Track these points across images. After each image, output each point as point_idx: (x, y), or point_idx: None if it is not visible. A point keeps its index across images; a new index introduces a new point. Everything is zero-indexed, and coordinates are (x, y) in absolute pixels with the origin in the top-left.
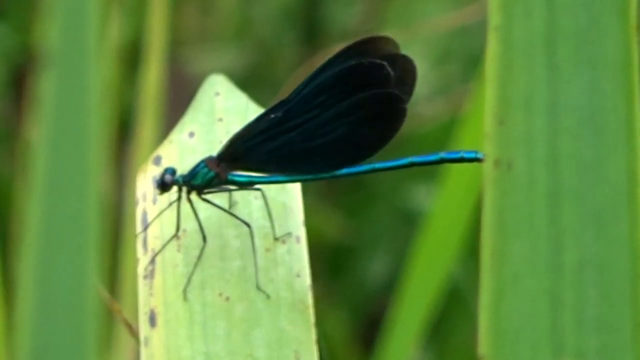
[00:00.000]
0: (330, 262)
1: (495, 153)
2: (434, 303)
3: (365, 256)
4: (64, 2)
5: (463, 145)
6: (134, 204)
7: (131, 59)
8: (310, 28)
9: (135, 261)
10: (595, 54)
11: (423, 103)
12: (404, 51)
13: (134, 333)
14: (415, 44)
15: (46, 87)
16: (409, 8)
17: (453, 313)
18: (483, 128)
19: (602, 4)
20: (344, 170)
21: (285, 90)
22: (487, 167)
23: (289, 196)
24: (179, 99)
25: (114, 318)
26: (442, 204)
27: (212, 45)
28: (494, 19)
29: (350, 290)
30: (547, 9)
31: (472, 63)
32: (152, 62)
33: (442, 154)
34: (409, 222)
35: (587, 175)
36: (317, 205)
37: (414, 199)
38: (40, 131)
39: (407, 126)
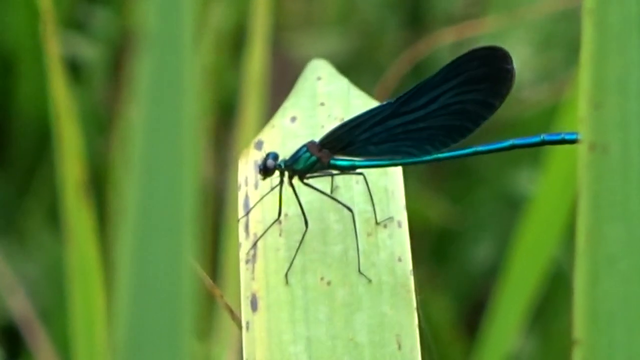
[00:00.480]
0: (434, 247)
1: (590, 137)
2: (538, 288)
3: (469, 241)
4: None
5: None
6: (236, 188)
7: (236, 43)
8: (413, 13)
9: (238, 246)
10: None
11: (526, 88)
12: (506, 37)
13: (235, 318)
14: (519, 29)
15: (142, 70)
16: None
17: (556, 298)
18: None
19: None
20: (447, 154)
21: (389, 76)
22: (583, 151)
23: (391, 180)
24: (282, 83)
25: (216, 303)
26: (545, 188)
27: (316, 30)
28: (588, 2)
29: (454, 275)
30: None
31: (575, 48)
32: (255, 47)
33: (543, 136)
34: (513, 206)
35: None
36: (422, 190)
37: (518, 184)
38: (137, 114)
39: (510, 111)
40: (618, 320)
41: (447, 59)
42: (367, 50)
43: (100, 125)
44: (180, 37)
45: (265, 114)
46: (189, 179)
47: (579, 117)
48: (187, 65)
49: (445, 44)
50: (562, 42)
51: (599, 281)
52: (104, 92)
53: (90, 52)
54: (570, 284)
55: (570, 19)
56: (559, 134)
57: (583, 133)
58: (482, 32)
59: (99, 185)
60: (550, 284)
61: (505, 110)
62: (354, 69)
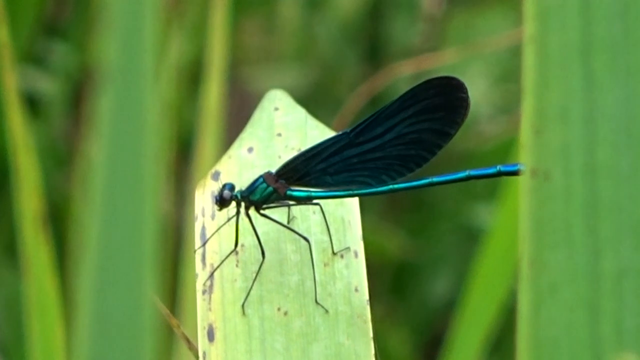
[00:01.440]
0: (392, 280)
1: (532, 163)
2: (495, 320)
3: (427, 274)
4: (121, 21)
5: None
6: (193, 219)
7: (193, 78)
8: (372, 47)
9: (194, 276)
10: (631, 63)
11: (483, 121)
12: (464, 70)
13: (193, 348)
14: (476, 62)
15: (103, 105)
16: (470, 26)
17: (514, 330)
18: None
19: (638, 14)
20: (403, 184)
21: (347, 108)
22: (525, 177)
23: (347, 210)
24: (240, 117)
25: (173, 333)
26: (501, 221)
27: (274, 65)
28: (529, 28)
29: (412, 308)
30: (582, 19)
31: None
32: (212, 81)
33: (499, 167)
34: (471, 240)
35: (624, 184)
36: (379, 223)
37: (476, 217)
38: (98, 149)
39: (468, 144)
40: (562, 346)
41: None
42: (325, 84)
43: (59, 159)
44: (141, 72)
45: (222, 147)
46: (149, 212)
47: (521, 144)
48: (148, 100)
49: (403, 76)
50: (518, 76)
51: (543, 308)
52: (63, 127)
53: (48, 86)
54: None
55: None
56: (515, 164)
57: (525, 159)
58: (440, 65)
59: (57, 219)
60: (508, 316)
61: (463, 143)
62: (312, 102)
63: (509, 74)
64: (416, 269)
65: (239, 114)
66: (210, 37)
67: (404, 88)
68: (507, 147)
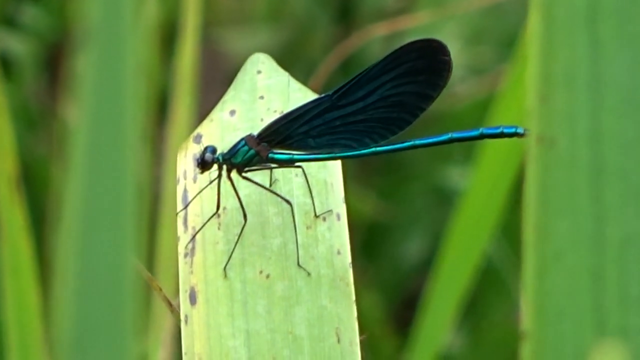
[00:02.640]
0: (365, 242)
1: (537, 130)
2: (469, 282)
3: (400, 237)
4: None
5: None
6: (174, 182)
7: (165, 40)
8: (344, 8)
9: (175, 239)
10: (636, 29)
11: (457, 83)
12: (437, 31)
13: (174, 311)
14: (449, 24)
15: (84, 66)
16: None
17: (488, 292)
18: (518, 106)
19: None
20: (386, 147)
21: (320, 70)
22: (530, 144)
23: (330, 173)
24: (211, 78)
25: (153, 296)
26: (477, 183)
27: (247, 26)
28: None
29: (385, 270)
30: None
31: (505, 43)
32: (187, 42)
33: (482, 130)
34: (444, 202)
35: (629, 151)
36: (351, 186)
37: (449, 179)
38: (78, 110)
39: (442, 105)
40: (566, 313)
41: (378, 53)
42: (298, 46)
43: (31, 121)
44: (122, 31)
45: (197, 108)
46: (129, 175)
47: (527, 110)
48: (129, 60)
49: (376, 38)
50: (491, 37)
51: (547, 275)
52: (34, 89)
53: (20, 47)
54: (502, 278)
55: (500, 14)
56: (498, 127)
57: (531, 126)
58: (413, 27)
59: (29, 181)
60: (482, 278)
61: (436, 104)
62: (285, 64)
63: (480, 35)
64: (388, 231)
65: (209, 74)
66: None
67: (377, 50)
68: (481, 108)
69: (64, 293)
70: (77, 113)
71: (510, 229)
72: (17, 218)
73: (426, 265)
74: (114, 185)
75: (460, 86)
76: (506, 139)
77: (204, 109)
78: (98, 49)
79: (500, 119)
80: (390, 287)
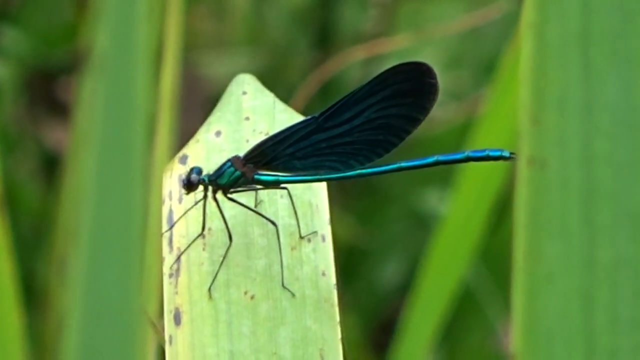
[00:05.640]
0: (343, 265)
1: (528, 151)
2: (447, 307)
3: (376, 260)
4: (112, 8)
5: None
6: (160, 202)
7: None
8: (323, 32)
9: (160, 260)
10: (630, 52)
11: (435, 107)
12: (415, 56)
13: (158, 332)
14: (427, 48)
15: (93, 89)
16: (421, 12)
17: (465, 317)
18: (499, 130)
19: (637, 2)
20: (371, 169)
21: (300, 94)
22: (521, 166)
23: (315, 195)
24: (190, 102)
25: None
26: (456, 208)
27: (225, 49)
28: (529, 16)
29: (362, 294)
30: (581, 7)
31: (483, 67)
32: (167, 66)
33: (468, 152)
34: (421, 226)
35: (621, 174)
36: (331, 209)
37: (427, 203)
38: (86, 133)
39: (420, 130)
40: (557, 335)
41: (356, 77)
42: (277, 70)
43: (10, 144)
44: (132, 58)
45: (178, 131)
46: (136, 204)
47: (518, 132)
48: (140, 85)
49: (355, 62)
50: (469, 62)
51: (538, 297)
52: (13, 112)
53: (1, 70)
54: (479, 302)
55: (477, 39)
56: (484, 150)
57: (522, 148)
58: (391, 50)
59: (8, 203)
60: (460, 303)
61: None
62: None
63: (458, 60)
64: (365, 255)
65: (188, 97)
66: (167, 23)
67: (356, 73)
68: (460, 132)
69: (70, 316)
70: (82, 137)
71: (488, 252)
72: (1, 239)
73: (403, 289)
74: (121, 214)
75: (438, 110)
76: (489, 163)
77: (183, 132)
78: (105, 76)
79: (481, 143)
80: (367, 311)
